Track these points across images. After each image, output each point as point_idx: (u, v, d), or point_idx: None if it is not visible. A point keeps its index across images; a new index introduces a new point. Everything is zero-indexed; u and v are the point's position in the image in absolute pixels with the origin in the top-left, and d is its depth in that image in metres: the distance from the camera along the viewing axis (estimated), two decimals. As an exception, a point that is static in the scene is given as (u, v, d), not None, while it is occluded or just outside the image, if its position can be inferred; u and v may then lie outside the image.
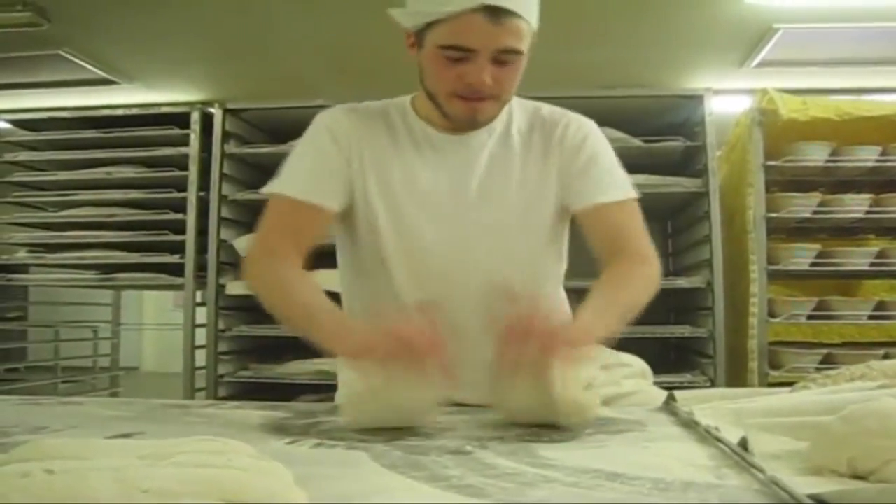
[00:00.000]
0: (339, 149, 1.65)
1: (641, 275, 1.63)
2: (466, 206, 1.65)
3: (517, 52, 1.51)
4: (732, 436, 1.08)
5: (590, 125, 1.74)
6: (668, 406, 1.53)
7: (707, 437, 1.17)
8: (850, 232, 3.85)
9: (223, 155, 3.83)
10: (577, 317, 1.46)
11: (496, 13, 1.45)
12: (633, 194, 1.69)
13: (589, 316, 1.46)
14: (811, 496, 0.78)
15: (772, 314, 3.51)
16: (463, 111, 1.58)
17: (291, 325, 1.55)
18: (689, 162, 3.76)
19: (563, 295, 1.85)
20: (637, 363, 1.92)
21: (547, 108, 1.75)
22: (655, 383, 1.95)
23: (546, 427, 1.30)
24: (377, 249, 1.67)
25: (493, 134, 1.69)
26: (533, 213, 1.68)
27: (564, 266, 1.82)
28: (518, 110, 1.74)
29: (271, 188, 1.65)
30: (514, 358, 1.31)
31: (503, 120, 1.70)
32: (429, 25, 1.50)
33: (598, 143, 1.71)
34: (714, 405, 1.39)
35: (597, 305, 1.50)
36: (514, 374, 1.32)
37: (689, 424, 1.30)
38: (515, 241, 1.67)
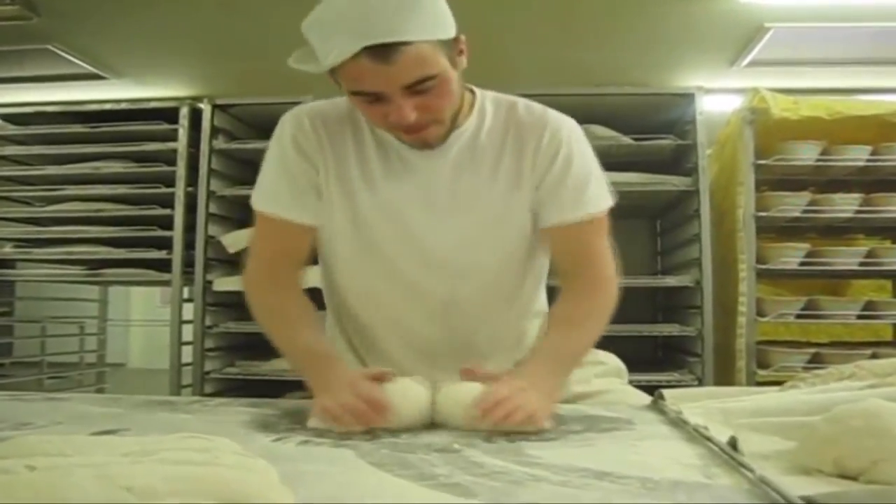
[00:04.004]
0: (307, 161, 1.60)
1: (599, 307, 1.61)
2: (432, 218, 1.59)
3: (430, 78, 1.37)
4: (721, 435, 1.07)
5: (565, 132, 1.62)
6: (657, 405, 1.52)
7: (696, 436, 1.16)
8: (840, 231, 3.85)
9: (211, 150, 3.81)
10: (534, 374, 1.45)
11: (382, 52, 1.31)
12: (601, 208, 1.62)
13: (546, 374, 1.46)
14: (802, 498, 0.77)
15: (760, 313, 3.51)
16: (410, 141, 1.52)
17: (286, 360, 1.61)
18: (680, 160, 3.76)
19: (542, 297, 1.83)
20: (612, 361, 1.88)
21: (523, 107, 1.64)
22: (643, 381, 1.93)
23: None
24: (337, 259, 1.68)
25: (462, 138, 1.59)
26: (503, 220, 1.61)
27: (545, 267, 1.78)
28: (491, 108, 1.63)
29: (256, 203, 1.64)
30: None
31: (473, 121, 1.61)
32: (333, 70, 1.38)
33: (571, 153, 1.60)
34: (703, 404, 1.38)
35: (553, 358, 1.51)
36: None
37: (678, 423, 1.30)
38: (481, 250, 1.62)
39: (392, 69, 1.32)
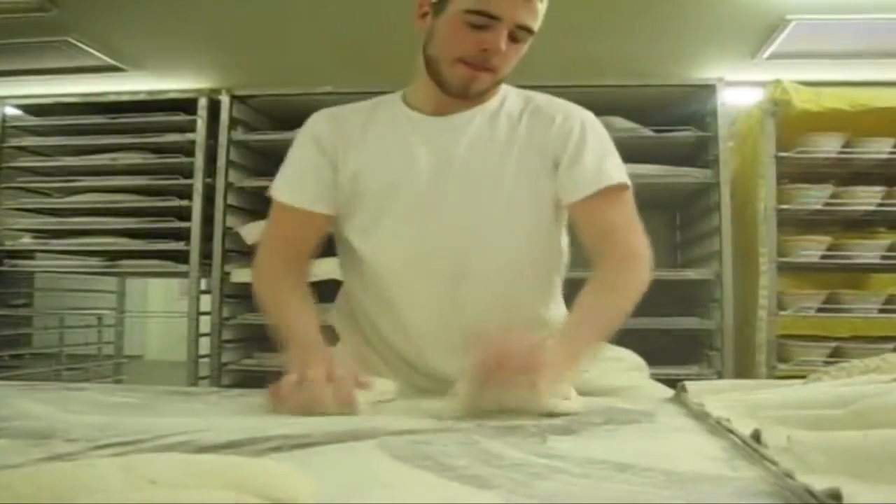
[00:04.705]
0: (325, 155, 1.72)
1: (626, 281, 1.60)
2: (444, 187, 1.65)
3: (530, 32, 1.56)
4: (745, 428, 1.06)
5: (580, 115, 1.72)
6: (679, 397, 1.51)
7: (719, 428, 1.15)
8: (862, 225, 3.82)
9: (230, 142, 3.82)
10: (558, 339, 1.48)
11: None
12: (622, 182, 1.66)
13: (568, 337, 1.50)
14: (826, 491, 0.76)
15: (781, 307, 3.49)
16: (463, 77, 1.61)
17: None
18: (700, 152, 3.73)
19: (557, 294, 1.83)
20: (630, 357, 1.86)
21: (543, 98, 1.76)
22: (661, 375, 1.90)
23: (553, 416, 1.28)
24: (350, 239, 1.73)
25: (481, 114, 1.70)
26: (515, 197, 1.66)
27: (563, 259, 1.80)
28: (512, 96, 1.76)
29: (276, 193, 1.75)
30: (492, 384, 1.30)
31: (494, 103, 1.73)
32: None
33: (587, 132, 1.68)
34: (725, 397, 1.37)
35: (577, 323, 1.55)
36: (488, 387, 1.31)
37: (700, 416, 1.28)
38: (491, 225, 1.65)
39: (524, 5, 1.52)
